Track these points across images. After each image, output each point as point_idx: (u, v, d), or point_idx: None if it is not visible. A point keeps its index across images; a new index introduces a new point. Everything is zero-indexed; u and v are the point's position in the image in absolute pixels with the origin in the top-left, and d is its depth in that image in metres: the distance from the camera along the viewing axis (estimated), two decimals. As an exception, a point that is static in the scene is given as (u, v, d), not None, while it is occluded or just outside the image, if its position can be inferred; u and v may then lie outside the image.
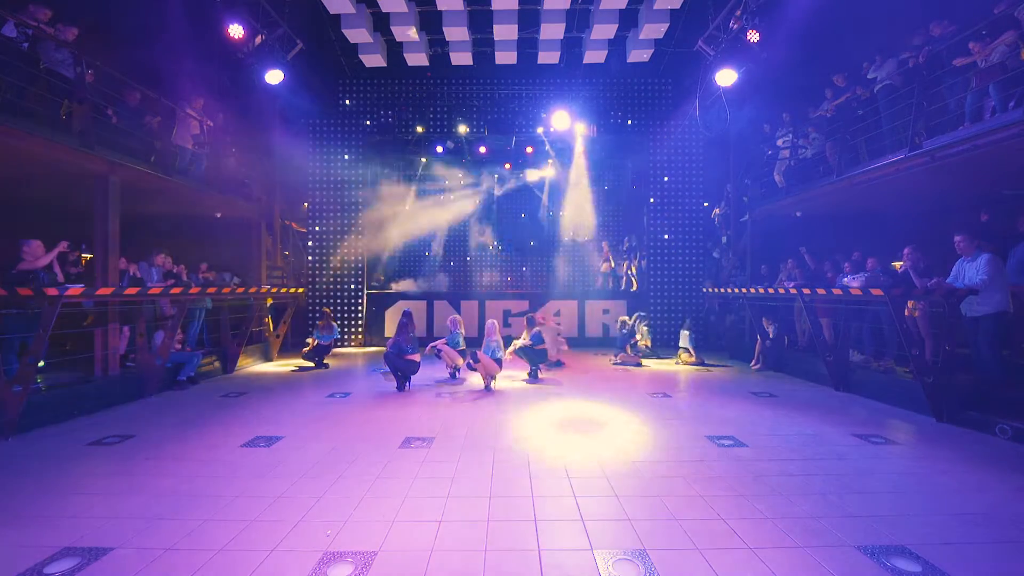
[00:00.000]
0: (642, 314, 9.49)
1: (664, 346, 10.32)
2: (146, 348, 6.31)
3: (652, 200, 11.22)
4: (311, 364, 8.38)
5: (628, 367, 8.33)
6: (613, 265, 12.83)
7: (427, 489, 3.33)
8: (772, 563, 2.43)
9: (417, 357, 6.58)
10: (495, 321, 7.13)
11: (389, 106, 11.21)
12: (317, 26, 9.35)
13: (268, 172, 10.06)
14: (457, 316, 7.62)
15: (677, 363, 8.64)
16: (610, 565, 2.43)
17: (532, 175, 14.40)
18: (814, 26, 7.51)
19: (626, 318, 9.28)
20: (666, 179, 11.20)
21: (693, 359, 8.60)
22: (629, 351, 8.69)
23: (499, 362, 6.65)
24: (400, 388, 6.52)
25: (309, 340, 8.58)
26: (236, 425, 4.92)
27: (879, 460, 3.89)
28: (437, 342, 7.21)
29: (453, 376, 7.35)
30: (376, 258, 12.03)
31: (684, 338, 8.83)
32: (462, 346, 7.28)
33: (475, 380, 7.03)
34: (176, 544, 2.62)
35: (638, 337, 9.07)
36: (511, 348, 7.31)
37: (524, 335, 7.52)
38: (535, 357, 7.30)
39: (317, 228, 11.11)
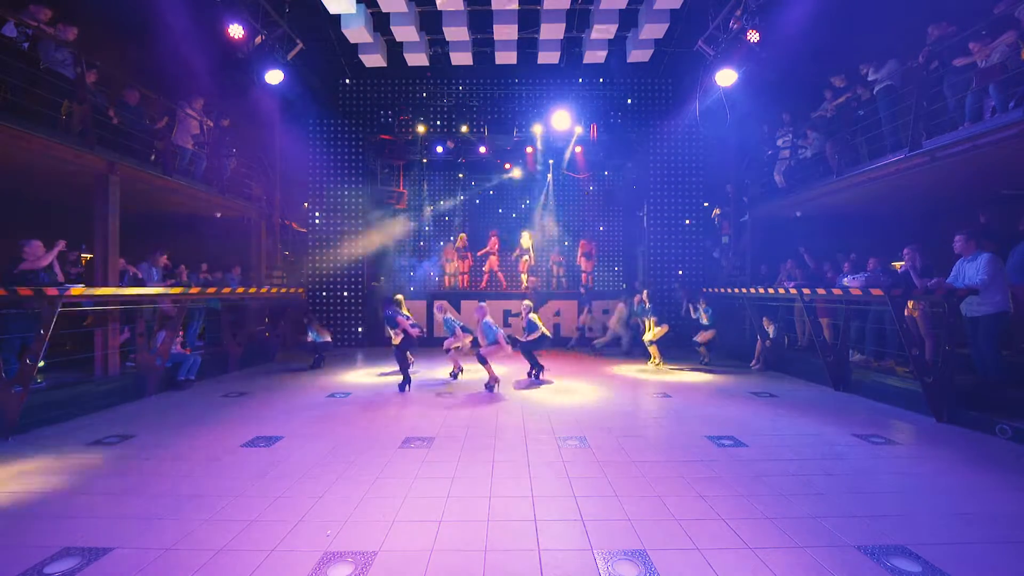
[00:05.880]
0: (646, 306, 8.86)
1: (663, 346, 10.30)
2: (146, 348, 6.31)
3: (652, 200, 11.23)
4: (311, 363, 8.36)
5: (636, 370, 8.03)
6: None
7: (427, 489, 3.33)
8: (772, 563, 2.43)
9: (416, 332, 6.62)
10: (484, 304, 7.01)
11: (389, 106, 11.20)
12: (317, 26, 9.34)
13: (268, 172, 10.06)
14: (483, 304, 7.13)
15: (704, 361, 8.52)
16: (610, 565, 2.43)
17: (532, 175, 14.38)
18: (814, 26, 7.51)
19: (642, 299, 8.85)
20: (666, 179, 11.21)
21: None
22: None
23: (496, 343, 6.56)
24: (400, 388, 6.52)
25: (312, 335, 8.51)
26: (236, 425, 4.92)
27: (879, 460, 3.89)
28: (454, 340, 7.12)
29: (453, 376, 7.35)
30: (376, 258, 12.04)
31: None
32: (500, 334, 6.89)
33: (475, 380, 7.03)
34: (176, 544, 2.62)
35: (647, 333, 8.60)
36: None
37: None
38: (528, 348, 7.12)
39: (317, 228, 11.12)
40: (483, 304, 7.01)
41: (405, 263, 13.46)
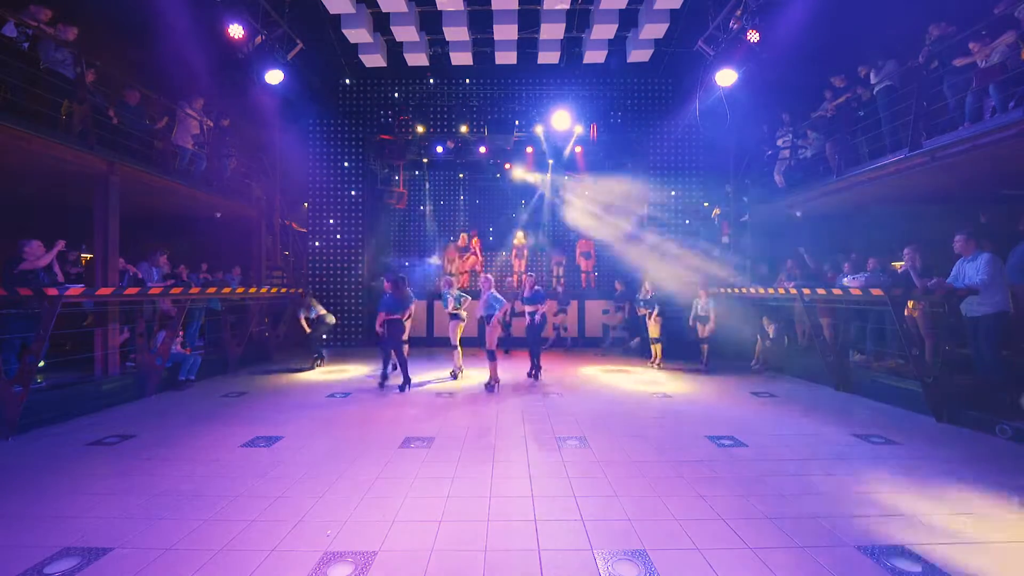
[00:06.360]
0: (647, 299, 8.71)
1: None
2: (146, 348, 6.31)
3: (651, 200, 11.22)
4: (311, 358, 8.32)
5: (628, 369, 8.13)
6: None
7: (427, 489, 3.33)
8: (772, 563, 2.43)
9: (380, 331, 6.58)
10: (490, 276, 6.98)
11: (389, 106, 11.21)
12: (317, 26, 9.34)
13: (268, 172, 10.06)
14: (489, 276, 7.01)
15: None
16: (610, 565, 2.43)
17: (532, 175, 14.40)
18: (814, 26, 7.51)
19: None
20: (666, 179, 11.21)
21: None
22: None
23: (489, 318, 6.57)
24: (400, 388, 6.53)
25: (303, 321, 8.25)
26: (236, 425, 4.92)
27: (879, 460, 3.89)
28: (457, 325, 7.23)
29: (453, 376, 7.35)
30: (376, 258, 12.04)
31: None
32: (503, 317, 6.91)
33: (475, 381, 7.03)
34: (176, 544, 2.63)
35: (650, 324, 8.47)
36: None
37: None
38: (535, 342, 7.10)
39: (317, 228, 11.12)
40: (489, 276, 6.98)
41: (405, 263, 13.46)
